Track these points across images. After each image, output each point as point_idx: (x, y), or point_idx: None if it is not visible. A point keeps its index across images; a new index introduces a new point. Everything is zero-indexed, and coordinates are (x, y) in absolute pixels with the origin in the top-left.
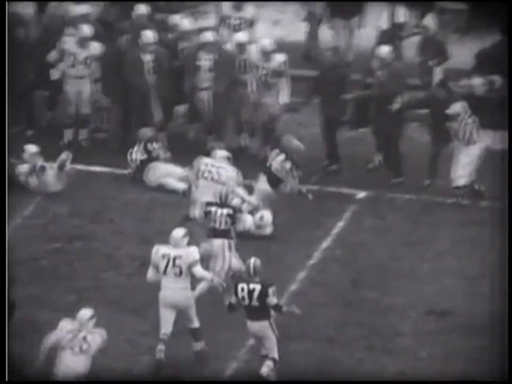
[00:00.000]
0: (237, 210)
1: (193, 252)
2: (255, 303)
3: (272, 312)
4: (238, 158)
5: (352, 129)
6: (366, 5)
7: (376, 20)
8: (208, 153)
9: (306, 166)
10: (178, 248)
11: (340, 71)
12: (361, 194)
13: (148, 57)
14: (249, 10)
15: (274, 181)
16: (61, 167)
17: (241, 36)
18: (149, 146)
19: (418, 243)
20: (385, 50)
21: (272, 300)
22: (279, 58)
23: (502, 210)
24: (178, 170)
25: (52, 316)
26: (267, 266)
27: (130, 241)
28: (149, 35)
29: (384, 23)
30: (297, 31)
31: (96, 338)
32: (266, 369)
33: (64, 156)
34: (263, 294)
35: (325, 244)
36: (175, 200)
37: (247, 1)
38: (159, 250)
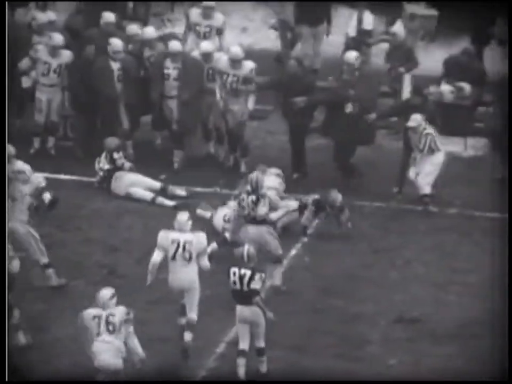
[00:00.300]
0: (261, 197)
1: (203, 239)
2: (245, 288)
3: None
4: (206, 165)
5: (322, 136)
6: (333, 12)
7: (345, 26)
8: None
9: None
10: (187, 233)
11: (304, 80)
12: None
13: (116, 65)
14: (218, 18)
15: None
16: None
17: (206, 45)
18: (115, 155)
19: (387, 250)
20: (352, 55)
21: (256, 284)
22: (249, 65)
23: (470, 217)
24: (147, 180)
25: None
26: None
27: (98, 249)
28: (117, 43)
29: (352, 30)
30: (265, 38)
31: (120, 313)
32: (242, 369)
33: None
34: (251, 279)
35: (294, 251)
36: (142, 207)
37: (241, 1)
38: (169, 235)
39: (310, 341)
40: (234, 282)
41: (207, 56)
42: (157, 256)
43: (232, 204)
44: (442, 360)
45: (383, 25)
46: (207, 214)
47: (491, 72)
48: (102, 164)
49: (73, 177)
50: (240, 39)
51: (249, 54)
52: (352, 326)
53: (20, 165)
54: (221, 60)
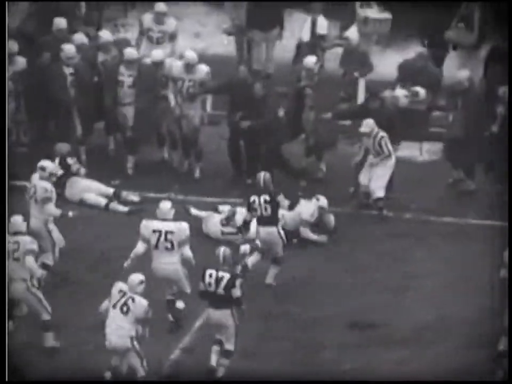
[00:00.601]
0: (274, 197)
1: (186, 229)
2: (220, 291)
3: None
4: (160, 170)
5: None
6: (288, 17)
7: (299, 31)
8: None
9: (230, 180)
10: (169, 223)
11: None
12: None
13: (69, 71)
14: (170, 23)
15: None
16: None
17: (157, 53)
18: (69, 161)
19: (341, 255)
20: (311, 60)
21: (237, 291)
22: (203, 68)
23: (425, 222)
24: (100, 186)
25: None
26: (190, 278)
27: None
28: (69, 49)
29: (306, 35)
30: (218, 43)
31: (139, 305)
32: (215, 357)
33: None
34: (230, 284)
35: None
36: (95, 214)
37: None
38: (149, 225)
39: (264, 347)
40: (210, 284)
41: (158, 64)
42: (140, 247)
43: (226, 208)
44: (397, 365)
45: (337, 30)
46: (202, 213)
47: (449, 78)
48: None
49: (28, 183)
50: (193, 44)
51: (202, 58)
52: (306, 332)
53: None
54: (175, 66)
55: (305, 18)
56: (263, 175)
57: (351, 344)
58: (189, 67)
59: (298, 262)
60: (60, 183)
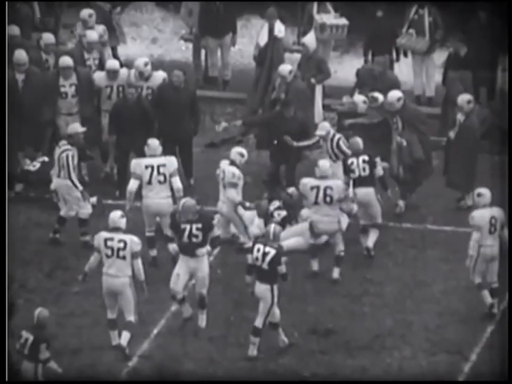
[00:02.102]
0: (372, 157)
1: (174, 162)
2: (265, 266)
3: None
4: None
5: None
6: (246, 23)
7: (256, 37)
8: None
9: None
10: (159, 157)
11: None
12: None
13: (21, 77)
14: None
15: None
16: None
17: (113, 63)
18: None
19: (300, 262)
20: (287, 68)
21: (282, 268)
22: (160, 74)
23: (384, 228)
24: None
25: None
26: (148, 285)
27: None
28: (20, 55)
29: (262, 40)
30: (175, 49)
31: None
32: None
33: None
34: (275, 260)
35: None
36: (52, 220)
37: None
38: (140, 163)
39: (222, 354)
40: (257, 258)
41: (114, 73)
42: (132, 185)
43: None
44: (356, 372)
45: (295, 36)
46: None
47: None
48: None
49: None
50: (150, 50)
51: (160, 65)
52: (265, 338)
53: None
54: (131, 75)
55: (263, 24)
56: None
57: (310, 350)
58: (143, 75)
59: None
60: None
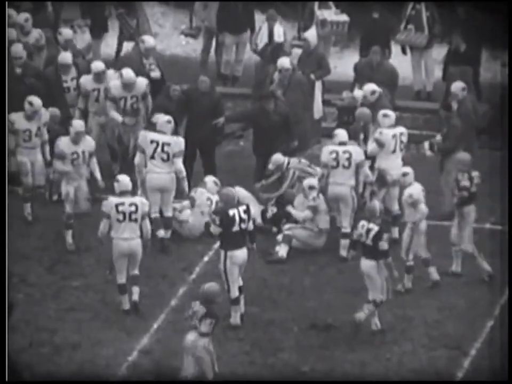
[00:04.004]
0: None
1: (181, 143)
2: (369, 242)
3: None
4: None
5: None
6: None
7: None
8: None
9: None
10: (166, 135)
11: (212, 96)
12: None
13: (18, 71)
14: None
15: None
16: None
17: (97, 65)
18: None
19: (299, 257)
20: (286, 61)
21: (384, 244)
22: (143, 82)
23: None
24: None
25: None
26: (147, 280)
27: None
28: (18, 49)
29: (262, 41)
30: (176, 44)
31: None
32: (362, 314)
33: None
34: (378, 236)
35: (206, 258)
36: (54, 215)
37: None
38: (147, 136)
39: (222, 349)
40: (361, 235)
41: (100, 75)
42: (138, 158)
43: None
44: (356, 367)
45: (296, 31)
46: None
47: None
48: None
49: None
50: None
51: (160, 59)
52: (264, 333)
53: None
54: (115, 87)
55: (263, 19)
56: None
57: (309, 345)
58: (127, 86)
59: (257, 263)
60: None
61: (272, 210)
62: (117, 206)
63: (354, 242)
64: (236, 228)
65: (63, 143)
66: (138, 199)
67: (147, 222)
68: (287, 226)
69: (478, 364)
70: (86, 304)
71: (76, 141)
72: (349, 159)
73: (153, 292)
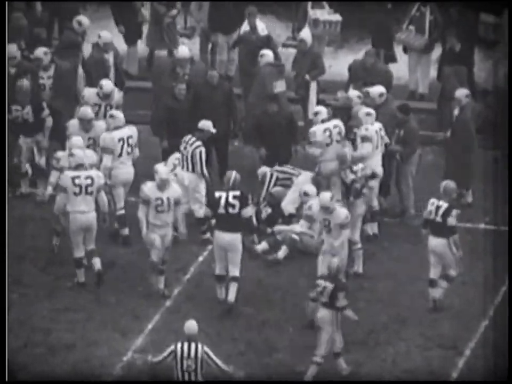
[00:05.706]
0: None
1: (136, 131)
2: (438, 219)
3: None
4: None
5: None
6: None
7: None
8: None
9: None
10: (124, 128)
11: (222, 88)
12: None
13: (12, 70)
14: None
15: None
16: None
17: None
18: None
19: (295, 257)
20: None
21: (452, 220)
22: (116, 93)
23: (384, 224)
24: None
25: None
26: (142, 281)
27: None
28: (12, 49)
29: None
30: None
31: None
32: (439, 290)
33: None
34: (447, 213)
35: (201, 258)
36: (47, 215)
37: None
38: (112, 136)
39: (217, 349)
40: (430, 212)
41: (106, 96)
42: (108, 161)
43: None
44: (352, 367)
45: (290, 31)
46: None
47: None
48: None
49: None
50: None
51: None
52: (259, 333)
53: None
54: (91, 96)
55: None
56: None
57: (304, 346)
58: (105, 96)
59: (253, 264)
60: None
61: (266, 211)
62: (73, 179)
63: (425, 221)
64: (221, 210)
65: (148, 187)
66: (94, 172)
67: (103, 194)
68: (281, 227)
69: (473, 363)
70: (80, 304)
71: (161, 188)
72: (340, 133)
73: (148, 293)
